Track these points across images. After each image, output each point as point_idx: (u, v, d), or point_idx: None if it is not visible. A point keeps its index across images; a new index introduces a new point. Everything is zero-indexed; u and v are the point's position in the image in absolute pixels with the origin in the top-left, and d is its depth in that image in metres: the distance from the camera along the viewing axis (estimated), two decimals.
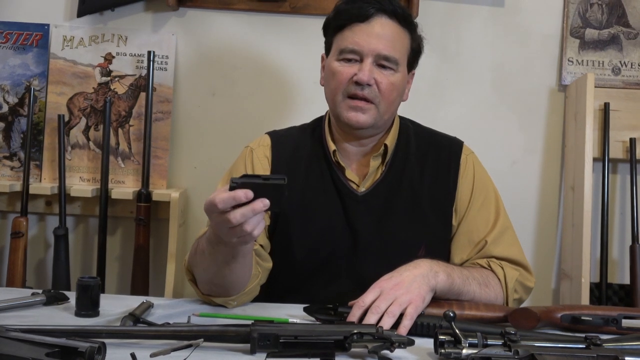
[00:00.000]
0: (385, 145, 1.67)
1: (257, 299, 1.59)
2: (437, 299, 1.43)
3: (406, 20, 1.66)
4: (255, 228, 1.26)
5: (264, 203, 1.23)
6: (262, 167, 1.70)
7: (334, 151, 1.68)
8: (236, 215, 1.22)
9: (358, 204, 1.66)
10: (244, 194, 1.22)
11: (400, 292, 1.36)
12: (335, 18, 1.67)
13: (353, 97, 1.61)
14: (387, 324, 1.30)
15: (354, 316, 1.34)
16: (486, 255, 1.64)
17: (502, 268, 1.60)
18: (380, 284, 1.39)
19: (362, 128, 1.63)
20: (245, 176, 1.25)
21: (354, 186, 1.68)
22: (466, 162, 1.73)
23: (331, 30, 1.68)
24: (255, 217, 1.24)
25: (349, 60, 1.62)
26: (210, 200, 1.25)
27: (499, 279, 1.59)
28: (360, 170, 1.70)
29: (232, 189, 1.23)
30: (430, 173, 1.70)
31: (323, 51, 1.75)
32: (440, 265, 1.47)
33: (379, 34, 1.60)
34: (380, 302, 1.34)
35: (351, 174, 1.68)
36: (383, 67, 1.61)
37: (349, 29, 1.62)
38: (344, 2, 1.67)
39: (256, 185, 1.23)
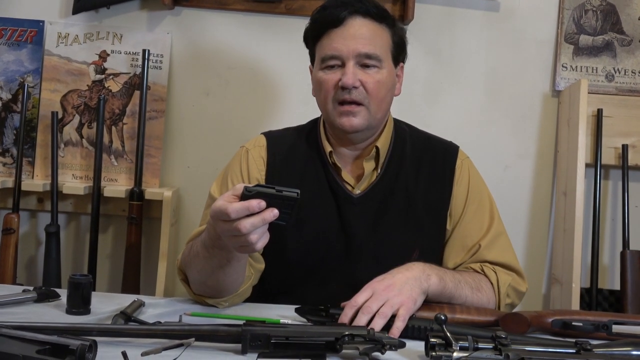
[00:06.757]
0: (377, 148, 1.67)
1: (249, 300, 1.59)
2: (428, 302, 1.43)
3: (381, 15, 1.64)
4: (259, 239, 1.25)
5: (273, 213, 1.22)
6: (258, 167, 1.70)
7: (330, 152, 1.68)
8: (246, 225, 1.21)
9: (353, 206, 1.66)
10: (258, 204, 1.21)
11: (392, 293, 1.36)
12: (312, 28, 1.68)
13: (342, 102, 1.61)
14: (378, 325, 1.30)
15: (346, 316, 1.33)
16: (479, 259, 1.64)
17: (495, 273, 1.60)
18: (372, 285, 1.39)
19: (357, 131, 1.63)
20: (258, 185, 1.23)
21: (350, 188, 1.68)
22: (461, 167, 1.72)
23: (311, 41, 1.69)
24: (262, 227, 1.23)
25: (332, 67, 1.62)
26: (220, 208, 1.23)
27: (491, 284, 1.59)
28: (355, 173, 1.70)
29: (244, 197, 1.22)
30: (426, 177, 1.70)
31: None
32: (432, 268, 1.47)
33: (354, 34, 1.60)
34: (371, 302, 1.34)
35: (347, 175, 1.68)
36: (367, 66, 1.61)
37: (326, 36, 1.63)
38: (317, 11, 1.67)
39: (269, 196, 1.22)
